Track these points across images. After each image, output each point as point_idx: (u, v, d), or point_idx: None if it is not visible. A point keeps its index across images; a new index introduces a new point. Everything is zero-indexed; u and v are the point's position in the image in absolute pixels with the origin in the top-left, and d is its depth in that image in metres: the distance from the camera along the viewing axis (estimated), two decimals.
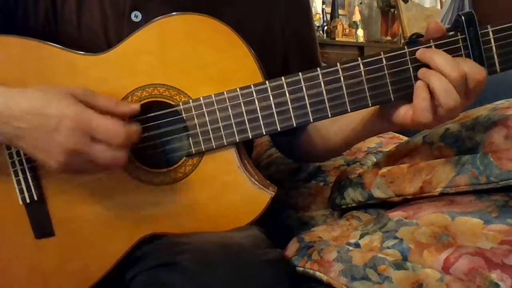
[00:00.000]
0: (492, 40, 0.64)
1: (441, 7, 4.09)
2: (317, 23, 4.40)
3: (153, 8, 0.74)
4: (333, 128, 0.82)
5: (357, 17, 4.70)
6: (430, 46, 0.64)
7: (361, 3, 4.87)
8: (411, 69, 0.65)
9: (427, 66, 0.64)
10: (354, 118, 0.77)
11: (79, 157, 0.62)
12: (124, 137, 0.63)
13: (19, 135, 0.63)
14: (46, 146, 0.62)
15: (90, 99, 0.64)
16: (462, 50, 0.64)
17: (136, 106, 0.68)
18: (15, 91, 0.63)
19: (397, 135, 1.09)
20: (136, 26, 0.70)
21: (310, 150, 0.89)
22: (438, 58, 0.62)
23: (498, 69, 0.65)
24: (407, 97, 0.65)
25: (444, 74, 0.61)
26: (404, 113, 0.66)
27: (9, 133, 0.63)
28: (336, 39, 4.38)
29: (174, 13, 0.69)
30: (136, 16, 0.75)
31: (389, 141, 1.05)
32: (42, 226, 0.71)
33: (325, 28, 4.44)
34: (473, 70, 0.62)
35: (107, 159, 0.63)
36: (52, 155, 0.62)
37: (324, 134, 0.84)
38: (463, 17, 0.63)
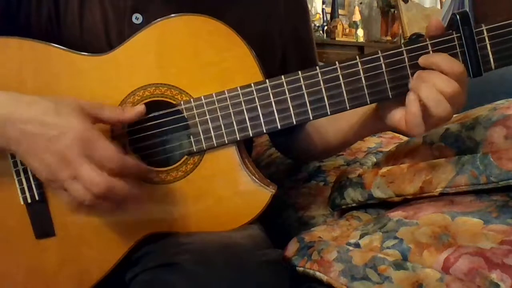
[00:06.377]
0: (487, 39, 0.64)
1: (441, 7, 4.09)
2: (317, 23, 4.39)
3: (153, 10, 0.74)
4: (332, 127, 0.83)
5: (357, 17, 4.70)
6: (427, 45, 0.65)
7: (361, 3, 4.87)
8: (408, 67, 0.66)
9: (423, 68, 0.65)
10: (353, 117, 0.77)
11: (66, 167, 0.61)
12: (119, 165, 0.62)
13: (20, 138, 0.62)
14: (40, 153, 0.61)
15: (97, 112, 0.65)
16: (458, 48, 0.65)
17: (141, 108, 0.68)
18: (27, 98, 0.63)
19: (397, 135, 1.09)
20: (137, 28, 0.70)
21: (309, 149, 0.90)
22: (438, 59, 0.64)
23: (493, 67, 0.65)
24: (405, 95, 0.66)
25: (447, 73, 0.63)
26: (398, 118, 0.67)
27: (10, 135, 0.62)
28: (336, 39, 4.38)
29: (174, 15, 0.69)
30: (137, 18, 0.75)
31: (389, 141, 1.05)
32: (43, 226, 0.70)
33: (325, 28, 4.44)
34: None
35: (94, 180, 0.60)
36: (43, 161, 0.61)
37: (323, 133, 0.85)
38: (457, 16, 0.64)
